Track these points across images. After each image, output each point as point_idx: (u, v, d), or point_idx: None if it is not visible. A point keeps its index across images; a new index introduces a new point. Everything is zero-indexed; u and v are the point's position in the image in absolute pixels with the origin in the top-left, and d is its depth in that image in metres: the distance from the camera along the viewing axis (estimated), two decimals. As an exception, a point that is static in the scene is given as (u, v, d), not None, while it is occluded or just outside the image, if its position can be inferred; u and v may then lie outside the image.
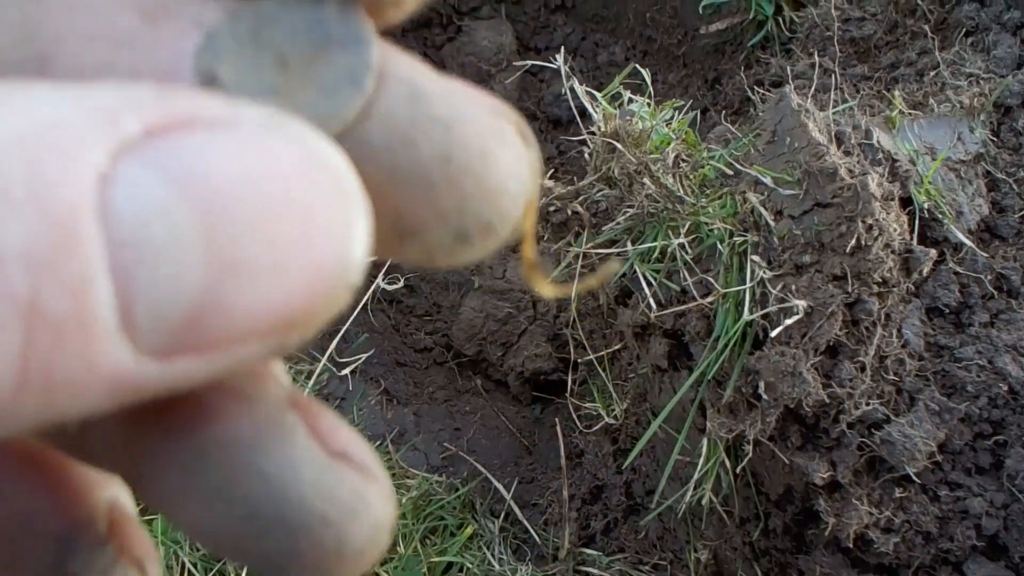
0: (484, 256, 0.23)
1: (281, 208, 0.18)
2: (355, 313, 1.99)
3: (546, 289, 0.26)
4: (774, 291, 1.20)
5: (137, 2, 0.21)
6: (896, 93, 1.32)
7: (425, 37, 2.53)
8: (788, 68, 1.65)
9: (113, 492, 0.26)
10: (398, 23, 0.22)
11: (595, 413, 1.71)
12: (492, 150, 0.21)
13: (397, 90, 0.20)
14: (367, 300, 2.00)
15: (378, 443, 1.96)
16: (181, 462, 0.21)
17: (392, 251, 0.22)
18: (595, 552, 1.73)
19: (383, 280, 1.87)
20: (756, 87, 1.84)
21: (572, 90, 1.48)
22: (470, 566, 1.73)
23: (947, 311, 1.29)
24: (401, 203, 0.21)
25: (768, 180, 1.22)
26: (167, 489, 0.22)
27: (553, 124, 2.44)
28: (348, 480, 0.22)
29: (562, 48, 1.67)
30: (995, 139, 1.37)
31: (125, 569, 0.25)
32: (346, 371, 1.94)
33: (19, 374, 0.16)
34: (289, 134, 0.19)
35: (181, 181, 0.17)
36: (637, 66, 1.50)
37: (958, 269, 1.29)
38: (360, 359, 1.98)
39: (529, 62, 1.92)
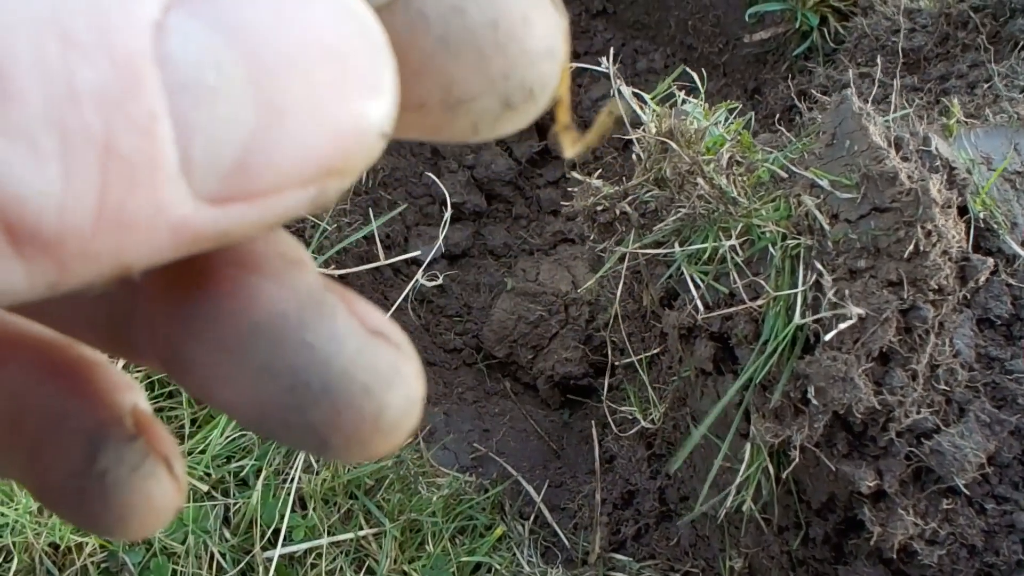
0: (524, 125, 0.24)
1: (317, 54, 0.19)
2: (391, 311, 1.99)
3: (571, 148, 0.27)
4: (828, 295, 1.19)
5: None
6: (955, 101, 1.31)
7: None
8: (843, 76, 1.64)
9: (135, 398, 0.28)
10: None
11: (630, 417, 1.70)
12: (532, 16, 0.22)
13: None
14: (407, 296, 1.99)
15: (410, 440, 1.95)
16: (228, 341, 0.23)
17: (442, 123, 0.23)
18: (625, 557, 1.72)
19: (423, 276, 1.87)
20: (801, 96, 1.83)
21: (619, 92, 1.48)
22: (499, 567, 1.72)
23: (998, 323, 1.28)
24: (453, 72, 0.22)
25: (825, 183, 1.21)
26: (213, 370, 0.23)
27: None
28: (386, 354, 0.23)
29: (610, 51, 1.67)
30: (1051, 152, 1.36)
31: (154, 465, 0.26)
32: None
33: (96, 211, 0.18)
34: None
35: (227, 30, 0.19)
36: (687, 69, 1.50)
37: (1011, 281, 1.28)
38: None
39: (573, 65, 1.92)
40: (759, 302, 1.28)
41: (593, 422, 1.93)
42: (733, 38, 2.25)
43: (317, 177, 0.20)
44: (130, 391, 0.28)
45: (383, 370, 0.23)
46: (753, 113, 2.08)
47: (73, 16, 0.17)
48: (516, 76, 0.22)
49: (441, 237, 1.84)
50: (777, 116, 1.98)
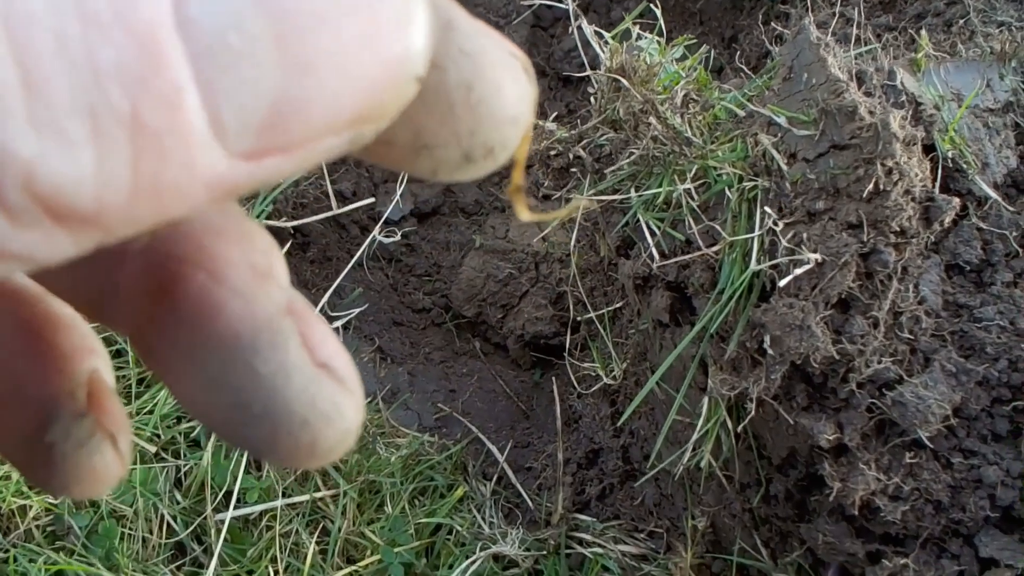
0: (481, 176, 0.25)
1: (346, 5, 0.19)
2: (348, 267, 1.92)
3: (525, 212, 0.29)
4: (784, 240, 1.13)
5: None
6: (923, 33, 1.23)
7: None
8: (818, 17, 1.56)
9: (95, 363, 0.28)
10: None
11: (594, 374, 1.65)
12: (505, 84, 0.23)
13: (435, 22, 0.22)
14: (363, 254, 1.92)
15: (369, 400, 1.89)
16: (186, 346, 0.24)
17: (406, 162, 0.24)
18: (589, 518, 1.67)
19: (380, 233, 1.80)
20: (775, 42, 1.76)
21: (580, 29, 1.41)
22: (459, 528, 1.67)
23: (968, 268, 1.21)
24: (423, 120, 0.23)
25: (782, 120, 1.14)
26: (170, 366, 0.25)
27: (563, 82, 2.36)
28: (328, 390, 0.24)
29: (573, -9, 1.59)
30: (1026, 89, 1.29)
31: (100, 441, 0.27)
32: (338, 324, 1.88)
33: (131, 182, 0.18)
34: None
35: None
36: (651, 5, 1.42)
37: (981, 224, 1.21)
38: (352, 313, 1.91)
39: (538, 2, 1.84)
40: (716, 248, 1.21)
41: (555, 379, 1.87)
42: (709, -16, 2.16)
43: (351, 125, 0.20)
44: (91, 356, 0.28)
45: (323, 406, 0.24)
46: (729, 63, 2.01)
47: None
48: (480, 135, 0.23)
49: (399, 192, 1.77)
50: (751, 65, 1.90)
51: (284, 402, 0.23)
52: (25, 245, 0.18)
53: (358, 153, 0.23)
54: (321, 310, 1.93)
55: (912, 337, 1.16)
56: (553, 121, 1.39)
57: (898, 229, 1.10)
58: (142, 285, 0.25)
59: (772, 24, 1.89)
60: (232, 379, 0.23)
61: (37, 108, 0.17)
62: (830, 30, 1.25)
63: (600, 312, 1.58)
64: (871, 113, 1.08)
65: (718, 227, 1.21)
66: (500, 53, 0.24)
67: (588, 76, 1.39)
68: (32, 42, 0.17)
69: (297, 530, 1.64)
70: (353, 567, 1.61)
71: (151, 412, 1.65)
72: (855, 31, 1.27)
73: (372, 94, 0.20)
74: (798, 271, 1.11)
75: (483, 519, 1.69)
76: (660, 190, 1.24)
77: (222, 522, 1.60)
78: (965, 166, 1.19)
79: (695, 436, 1.27)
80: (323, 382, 0.24)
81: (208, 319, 0.24)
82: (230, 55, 0.18)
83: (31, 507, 1.55)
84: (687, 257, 1.24)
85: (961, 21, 1.40)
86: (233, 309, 0.24)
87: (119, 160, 0.18)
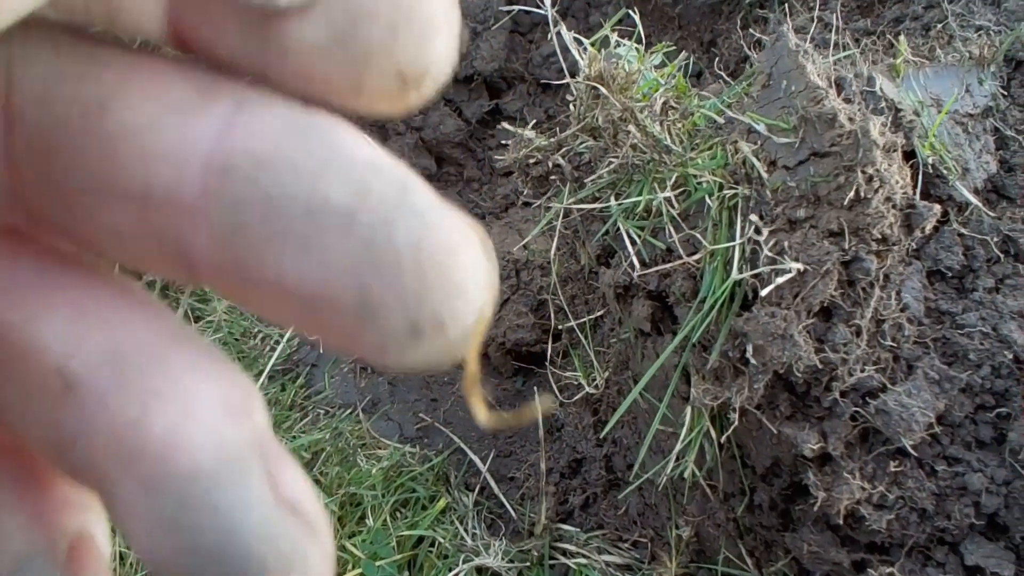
0: (434, 362, 0.23)
1: None
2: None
3: (483, 412, 0.26)
4: (766, 248, 1.12)
5: (193, 79, 0.23)
6: (902, 39, 1.23)
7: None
8: (795, 21, 1.56)
9: (86, 520, 0.27)
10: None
11: (576, 383, 1.63)
12: (458, 249, 0.22)
13: (389, 181, 0.22)
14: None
15: (350, 411, 1.87)
16: (146, 483, 0.22)
17: (351, 333, 0.22)
18: (572, 528, 1.65)
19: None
20: (754, 47, 1.75)
21: (559, 35, 1.39)
22: (442, 540, 1.65)
23: (949, 274, 1.21)
24: (369, 279, 0.21)
25: (762, 128, 1.13)
26: (126, 505, 0.23)
27: (542, 88, 2.34)
28: (291, 531, 0.22)
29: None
30: (1005, 93, 1.28)
31: None
32: (316, 336, 1.85)
33: None
34: None
35: None
36: (629, 11, 1.41)
37: (962, 230, 1.21)
38: (332, 324, 1.88)
39: (516, 7, 1.83)
40: (697, 257, 1.20)
41: (536, 388, 1.85)
42: (687, -12, 2.16)
43: None
44: (83, 512, 0.27)
45: (284, 547, 0.22)
46: (708, 68, 2.00)
47: None
48: (429, 302, 0.22)
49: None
50: (730, 70, 1.90)
51: (240, 540, 0.22)
52: None
53: (309, 330, 0.23)
54: (300, 321, 1.91)
55: (895, 345, 1.15)
56: (532, 128, 1.37)
57: (879, 236, 1.10)
58: (106, 441, 0.23)
59: (750, 29, 1.89)
60: (187, 518, 0.22)
61: None
62: (809, 35, 1.24)
63: (581, 321, 1.56)
64: (851, 120, 1.07)
65: (699, 235, 1.19)
66: (456, 218, 0.23)
67: (567, 76, 1.38)
68: None
69: (277, 545, 1.62)
70: (334, 582, 1.59)
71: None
72: (833, 36, 1.26)
73: None
74: (779, 280, 1.10)
75: (466, 530, 1.67)
76: (640, 198, 1.23)
77: None
78: (945, 172, 1.18)
79: (678, 446, 1.26)
80: (286, 521, 0.22)
81: (172, 454, 0.22)
82: None
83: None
84: (668, 266, 1.23)
85: (939, 25, 1.40)
86: (199, 443, 0.22)
87: None
